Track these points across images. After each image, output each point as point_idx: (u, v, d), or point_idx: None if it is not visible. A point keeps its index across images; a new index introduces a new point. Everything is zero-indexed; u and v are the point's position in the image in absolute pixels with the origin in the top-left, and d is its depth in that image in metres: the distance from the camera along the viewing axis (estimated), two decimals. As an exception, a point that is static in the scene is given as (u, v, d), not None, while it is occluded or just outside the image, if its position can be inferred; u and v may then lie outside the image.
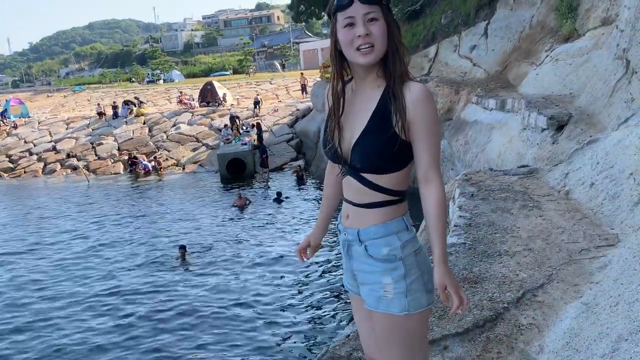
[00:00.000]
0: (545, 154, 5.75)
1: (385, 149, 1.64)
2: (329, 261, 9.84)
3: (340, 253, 1.93)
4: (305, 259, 2.09)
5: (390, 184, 1.69)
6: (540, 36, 9.80)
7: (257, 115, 23.74)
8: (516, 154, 6.59)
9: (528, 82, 8.72)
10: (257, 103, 24.83)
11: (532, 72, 8.90)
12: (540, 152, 5.89)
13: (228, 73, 54.07)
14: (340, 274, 8.88)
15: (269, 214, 13.90)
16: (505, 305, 2.79)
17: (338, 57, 1.72)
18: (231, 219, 13.72)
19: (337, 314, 7.68)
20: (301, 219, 13.17)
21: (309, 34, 76.41)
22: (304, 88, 27.66)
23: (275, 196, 15.18)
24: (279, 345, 6.99)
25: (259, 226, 12.86)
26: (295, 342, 7.05)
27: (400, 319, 1.69)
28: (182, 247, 10.71)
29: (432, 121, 1.64)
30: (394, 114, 1.63)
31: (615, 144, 4.07)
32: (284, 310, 8.02)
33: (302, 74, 31.00)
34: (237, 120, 22.34)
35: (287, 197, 15.21)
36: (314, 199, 15.02)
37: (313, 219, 12.86)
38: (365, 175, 1.70)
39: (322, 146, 1.88)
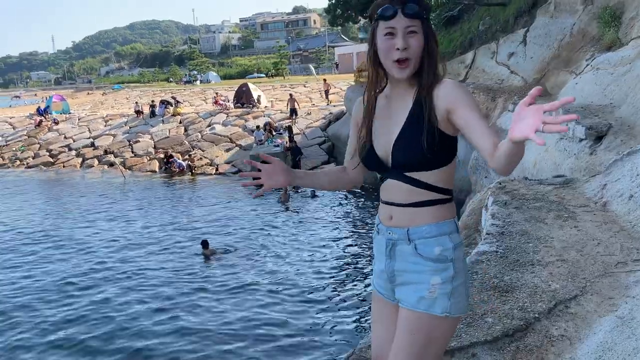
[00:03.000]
0: (582, 164, 5.63)
1: (425, 142, 1.64)
2: (357, 262, 9.84)
3: (369, 257, 1.93)
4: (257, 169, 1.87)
5: (435, 180, 1.69)
6: (581, 44, 9.60)
7: (292, 121, 23.63)
8: (552, 163, 6.46)
9: (567, 91, 8.54)
10: (293, 111, 24.06)
11: (572, 81, 8.71)
12: (577, 163, 5.76)
13: (262, 76, 54.76)
14: (368, 276, 8.90)
15: (302, 211, 14.15)
16: (537, 315, 2.74)
17: (375, 60, 1.75)
18: (264, 216, 13.85)
19: (364, 315, 7.66)
20: (329, 219, 13.24)
21: (345, 38, 76.64)
22: (326, 93, 27.60)
23: (309, 193, 15.80)
24: (304, 344, 7.00)
25: (291, 225, 12.96)
26: (321, 342, 7.05)
27: (436, 321, 1.69)
28: (204, 242, 10.85)
29: (473, 101, 1.64)
30: (427, 110, 1.65)
31: (656, 156, 3.96)
32: (310, 309, 8.03)
33: (325, 80, 30.92)
34: (271, 125, 22.45)
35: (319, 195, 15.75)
36: (342, 198, 15.13)
37: (343, 219, 12.92)
38: (410, 174, 1.70)
39: (358, 156, 1.86)
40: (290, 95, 25.70)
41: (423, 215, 1.70)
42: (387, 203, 1.79)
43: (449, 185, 1.73)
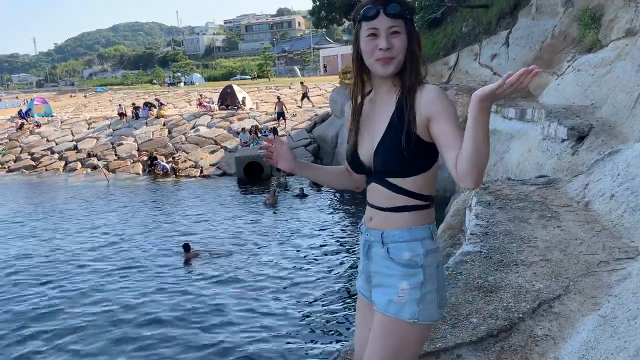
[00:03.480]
0: (564, 164, 5.69)
1: (404, 149, 1.64)
2: (344, 264, 9.84)
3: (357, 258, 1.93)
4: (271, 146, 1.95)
5: (415, 187, 1.69)
6: (563, 46, 9.71)
7: (278, 124, 23.40)
8: (535, 163, 6.53)
9: (549, 92, 8.64)
10: (281, 115, 23.61)
11: (554, 82, 8.81)
12: (559, 163, 5.83)
13: (247, 78, 54.63)
14: (352, 277, 8.90)
15: (290, 213, 14.06)
16: (521, 315, 2.75)
17: (359, 63, 1.75)
18: (249, 218, 13.79)
19: (349, 318, 7.66)
20: (318, 220, 13.19)
21: (329, 39, 76.79)
22: (304, 96, 27.53)
23: (298, 192, 15.73)
24: (290, 347, 6.97)
25: (277, 227, 12.91)
26: (307, 345, 7.03)
27: (405, 326, 1.68)
28: (186, 246, 10.79)
29: (454, 113, 1.62)
30: (407, 115, 1.65)
31: (637, 156, 4.02)
32: (295, 312, 8.00)
33: (302, 83, 30.87)
34: (257, 129, 22.39)
35: (306, 195, 15.68)
36: (328, 204, 15.12)
37: (331, 222, 12.90)
38: (390, 179, 1.71)
39: (346, 159, 1.89)
40: (278, 98, 25.37)
41: (398, 219, 1.71)
42: (370, 205, 1.81)
43: (429, 192, 1.72)
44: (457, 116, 1.65)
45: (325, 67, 52.67)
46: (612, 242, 3.51)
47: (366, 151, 1.76)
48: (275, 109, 24.33)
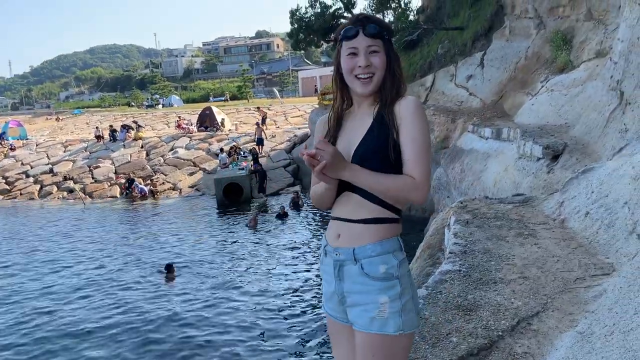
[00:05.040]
0: (540, 182, 5.78)
1: (382, 153, 1.68)
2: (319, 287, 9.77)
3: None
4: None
5: None
6: (536, 67, 9.94)
7: (259, 148, 23.22)
8: (512, 182, 6.62)
9: (524, 111, 8.81)
10: (260, 141, 23.30)
11: (528, 102, 8.99)
12: (535, 181, 5.92)
13: (222, 99, 54.10)
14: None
15: (270, 234, 13.95)
16: (500, 333, 2.76)
17: (340, 81, 1.83)
18: (228, 239, 13.68)
19: (325, 341, 7.59)
20: (298, 242, 13.11)
21: (308, 61, 77.46)
22: (263, 120, 27.45)
23: (279, 211, 15.62)
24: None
25: (256, 247, 12.81)
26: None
27: (392, 339, 1.68)
28: (169, 267, 10.74)
29: (421, 129, 1.68)
30: (389, 122, 1.70)
31: (609, 173, 4.10)
32: (269, 335, 7.91)
33: (258, 107, 32.16)
34: (237, 149, 22.33)
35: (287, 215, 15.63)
36: (309, 223, 15.07)
37: (308, 243, 12.84)
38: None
39: None
40: (257, 124, 25.24)
41: (368, 233, 1.71)
42: (337, 219, 1.80)
43: (401, 205, 1.75)
44: (425, 132, 1.70)
45: (315, 88, 52.74)
46: (587, 259, 3.56)
47: (343, 155, 1.76)
48: (255, 133, 24.27)
